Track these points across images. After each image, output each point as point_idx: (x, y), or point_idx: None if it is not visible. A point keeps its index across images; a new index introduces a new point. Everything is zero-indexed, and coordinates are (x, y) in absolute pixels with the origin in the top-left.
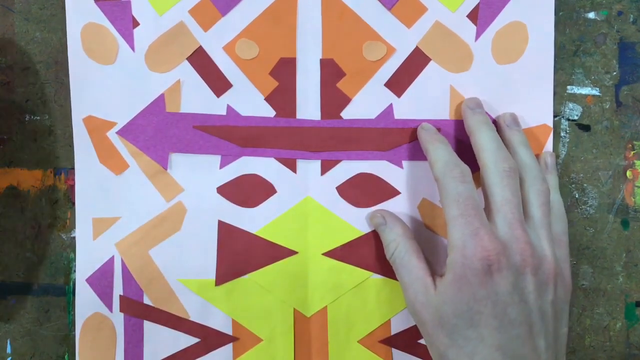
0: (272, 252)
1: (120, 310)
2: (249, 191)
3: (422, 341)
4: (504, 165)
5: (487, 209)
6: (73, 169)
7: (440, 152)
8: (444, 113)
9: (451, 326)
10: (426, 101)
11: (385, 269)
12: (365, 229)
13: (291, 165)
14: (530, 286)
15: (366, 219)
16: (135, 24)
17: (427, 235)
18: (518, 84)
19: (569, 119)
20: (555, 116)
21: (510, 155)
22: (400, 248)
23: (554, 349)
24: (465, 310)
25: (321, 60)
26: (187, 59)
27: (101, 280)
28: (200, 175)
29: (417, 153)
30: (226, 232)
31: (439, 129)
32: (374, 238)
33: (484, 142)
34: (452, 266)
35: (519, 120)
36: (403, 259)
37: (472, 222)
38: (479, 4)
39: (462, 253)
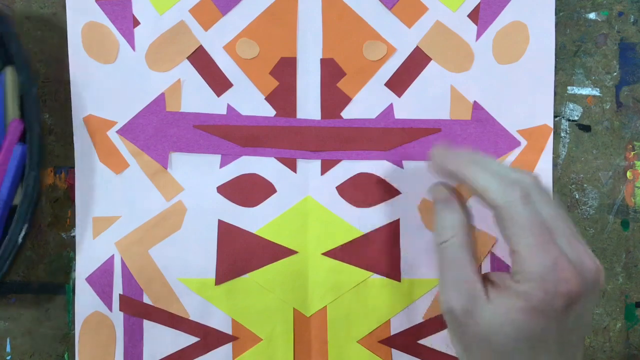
0: (272, 252)
1: (120, 310)
2: (249, 191)
3: (422, 341)
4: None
5: None
6: (73, 168)
7: (485, 175)
8: (445, 113)
9: (508, 349)
10: (427, 101)
11: (385, 269)
12: (365, 228)
13: (291, 165)
14: (590, 303)
15: (429, 191)
16: (136, 23)
17: (427, 236)
18: (519, 84)
19: (569, 120)
20: (555, 116)
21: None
22: (457, 238)
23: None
24: (530, 338)
25: (321, 60)
26: (187, 58)
27: (101, 279)
28: (200, 174)
29: (417, 153)
30: (226, 231)
31: (439, 129)
32: (374, 238)
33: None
34: (528, 297)
35: (519, 122)
36: (456, 251)
37: (550, 250)
38: (479, 3)
39: (543, 287)
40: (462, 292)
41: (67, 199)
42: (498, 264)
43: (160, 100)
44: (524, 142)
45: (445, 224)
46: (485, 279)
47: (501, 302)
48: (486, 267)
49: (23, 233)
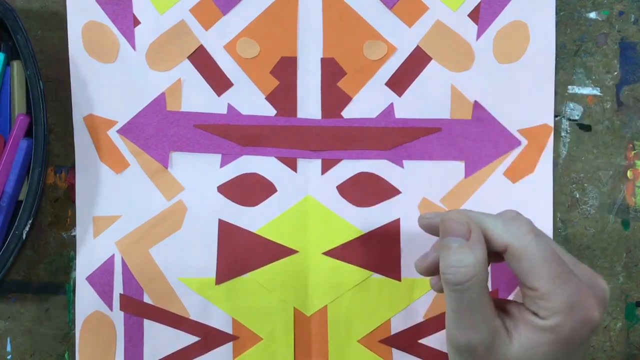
0: (272, 251)
1: (121, 309)
2: (249, 190)
3: (422, 341)
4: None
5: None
6: (73, 167)
7: (488, 218)
8: (445, 112)
9: None
10: (427, 100)
11: (386, 268)
12: (365, 228)
13: (292, 165)
14: None
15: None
16: (136, 22)
17: (427, 235)
18: (519, 83)
19: (569, 119)
20: (556, 116)
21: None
22: (477, 279)
23: None
24: None
25: (322, 59)
26: (188, 57)
27: (101, 279)
28: (200, 174)
29: (417, 152)
30: (226, 231)
31: (439, 129)
32: (375, 237)
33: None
34: (558, 330)
35: (520, 121)
36: (477, 293)
37: (571, 280)
38: (480, 3)
39: (571, 318)
40: (481, 329)
41: (67, 198)
42: (498, 264)
43: (160, 99)
44: (524, 142)
45: (467, 262)
46: (497, 309)
47: (528, 337)
48: None
49: (27, 228)
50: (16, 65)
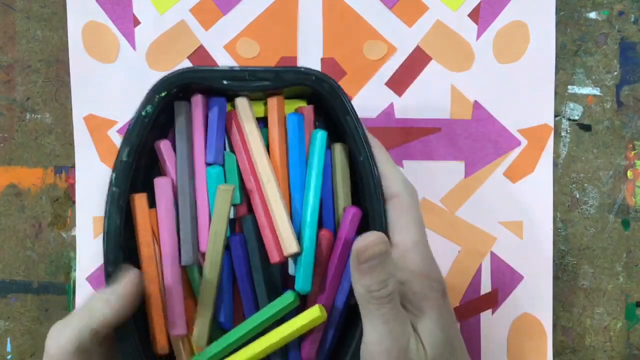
0: None
1: None
2: None
3: None
4: None
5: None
6: (74, 167)
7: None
8: (445, 112)
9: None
10: (427, 100)
11: None
12: None
13: None
14: None
15: (361, 249)
16: (137, 22)
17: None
18: (519, 83)
19: (569, 119)
20: (556, 116)
21: None
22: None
23: None
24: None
25: (322, 59)
26: (188, 57)
27: (102, 279)
28: None
29: (417, 152)
30: None
31: (439, 129)
32: None
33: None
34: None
35: (520, 121)
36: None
37: (428, 247)
38: (480, 3)
39: (427, 277)
40: (407, 331)
41: (67, 198)
42: (498, 264)
43: None
44: (524, 142)
45: (392, 272)
46: None
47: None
48: (487, 266)
49: None
50: (338, 148)
